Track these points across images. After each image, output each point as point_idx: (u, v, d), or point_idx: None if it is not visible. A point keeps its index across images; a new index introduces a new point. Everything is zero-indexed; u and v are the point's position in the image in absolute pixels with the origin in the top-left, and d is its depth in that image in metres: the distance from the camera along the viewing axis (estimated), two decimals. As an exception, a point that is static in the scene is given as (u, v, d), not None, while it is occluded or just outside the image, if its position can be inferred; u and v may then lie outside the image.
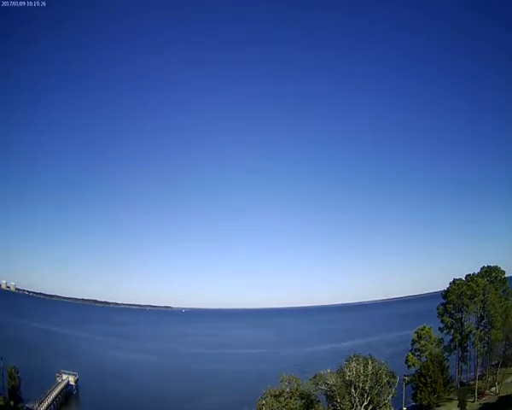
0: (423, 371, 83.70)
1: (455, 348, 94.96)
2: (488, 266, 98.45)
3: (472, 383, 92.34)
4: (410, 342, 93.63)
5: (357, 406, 72.35)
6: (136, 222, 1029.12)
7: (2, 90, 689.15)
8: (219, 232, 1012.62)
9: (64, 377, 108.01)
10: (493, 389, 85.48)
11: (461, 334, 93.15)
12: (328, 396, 75.96)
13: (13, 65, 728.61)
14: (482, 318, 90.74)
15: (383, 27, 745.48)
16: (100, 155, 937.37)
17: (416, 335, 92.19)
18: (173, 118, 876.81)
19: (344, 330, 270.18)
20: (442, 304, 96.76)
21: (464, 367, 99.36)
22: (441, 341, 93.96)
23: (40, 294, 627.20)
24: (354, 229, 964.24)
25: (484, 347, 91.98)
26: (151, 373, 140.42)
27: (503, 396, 79.97)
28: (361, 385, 71.76)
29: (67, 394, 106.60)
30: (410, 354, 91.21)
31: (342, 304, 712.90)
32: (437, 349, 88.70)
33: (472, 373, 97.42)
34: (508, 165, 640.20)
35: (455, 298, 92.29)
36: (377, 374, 73.05)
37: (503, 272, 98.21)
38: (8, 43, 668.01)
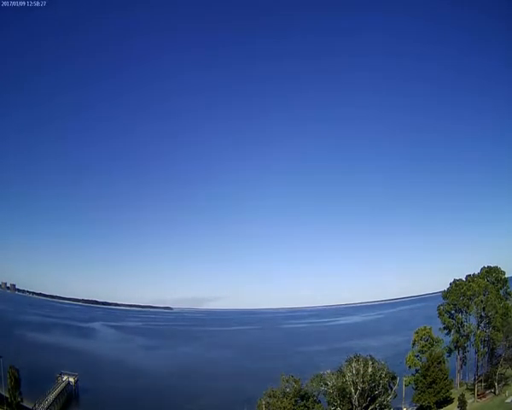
0: (423, 372, 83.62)
1: (455, 349, 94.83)
2: (488, 267, 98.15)
3: (472, 383, 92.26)
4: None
5: (357, 407, 72.32)
6: (136, 223, 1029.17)
7: (3, 90, 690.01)
8: (221, 234, 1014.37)
9: (64, 377, 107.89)
10: (493, 389, 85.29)
11: (461, 334, 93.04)
12: (328, 397, 75.96)
13: (13, 64, 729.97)
14: (482, 318, 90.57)
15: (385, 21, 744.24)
16: (101, 154, 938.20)
17: (416, 335, 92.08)
18: (177, 117, 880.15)
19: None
20: (442, 304, 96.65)
21: (464, 368, 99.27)
22: (441, 341, 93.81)
23: (40, 294, 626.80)
24: (357, 230, 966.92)
25: (484, 347, 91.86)
26: (151, 373, 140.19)
27: (503, 396, 79.79)
28: (361, 386, 71.72)
29: (68, 394, 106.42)
30: (410, 354, 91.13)
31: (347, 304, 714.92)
32: (437, 350, 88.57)
33: (472, 373, 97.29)
34: (508, 165, 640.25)
35: (455, 298, 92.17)
36: (377, 375, 73.04)
37: (504, 273, 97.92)
38: (9, 43, 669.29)
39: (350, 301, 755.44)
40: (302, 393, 75.28)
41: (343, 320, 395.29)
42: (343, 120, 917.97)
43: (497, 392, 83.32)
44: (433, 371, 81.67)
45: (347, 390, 72.55)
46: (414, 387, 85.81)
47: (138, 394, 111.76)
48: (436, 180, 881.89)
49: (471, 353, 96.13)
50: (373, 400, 73.44)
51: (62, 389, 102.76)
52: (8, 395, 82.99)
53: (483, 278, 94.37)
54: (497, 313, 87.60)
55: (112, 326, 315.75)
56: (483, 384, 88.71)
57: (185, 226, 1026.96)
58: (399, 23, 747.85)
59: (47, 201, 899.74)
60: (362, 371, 71.46)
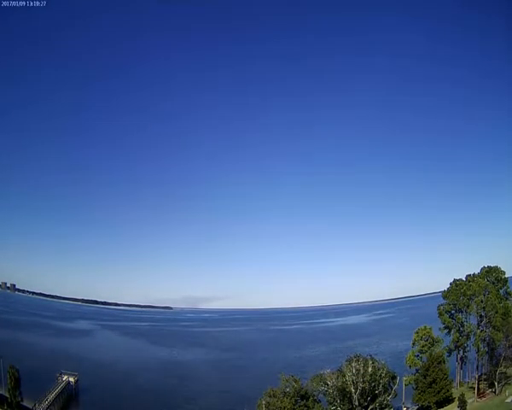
0: (423, 372, 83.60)
1: (455, 349, 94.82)
2: (488, 267, 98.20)
3: (472, 383, 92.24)
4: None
5: (357, 406, 72.27)
6: (136, 223, 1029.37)
7: (2, 90, 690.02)
8: (221, 234, 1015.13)
9: (64, 377, 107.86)
10: (493, 388, 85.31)
11: (461, 334, 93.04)
12: (328, 396, 75.88)
13: (13, 64, 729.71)
14: (482, 318, 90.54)
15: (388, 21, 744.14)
16: (101, 154, 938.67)
17: (416, 335, 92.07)
18: (177, 118, 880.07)
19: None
20: (442, 304, 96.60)
21: (464, 367, 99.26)
22: (441, 341, 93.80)
23: (40, 294, 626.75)
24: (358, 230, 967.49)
25: (484, 347, 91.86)
26: (151, 373, 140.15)
27: (503, 396, 79.77)
28: (361, 385, 71.68)
29: (68, 394, 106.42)
30: (410, 354, 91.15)
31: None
32: (437, 350, 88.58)
33: (472, 373, 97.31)
34: (508, 165, 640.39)
35: (455, 298, 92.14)
36: (377, 374, 72.99)
37: (504, 273, 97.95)
38: (9, 42, 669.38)
39: (349, 301, 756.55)
40: (302, 393, 75.23)
41: (342, 320, 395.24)
42: (343, 121, 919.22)
43: (497, 392, 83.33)
44: (433, 371, 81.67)
45: (347, 390, 72.48)
46: (414, 387, 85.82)
47: (138, 393, 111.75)
48: (436, 180, 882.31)
49: (471, 352, 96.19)
50: (373, 399, 73.37)
51: (62, 389, 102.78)
52: (8, 395, 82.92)
53: (483, 278, 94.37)
54: (497, 312, 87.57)
55: (111, 326, 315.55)
56: (483, 384, 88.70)
57: (185, 226, 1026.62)
58: (400, 23, 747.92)
59: (47, 201, 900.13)
60: (362, 371, 71.40)
